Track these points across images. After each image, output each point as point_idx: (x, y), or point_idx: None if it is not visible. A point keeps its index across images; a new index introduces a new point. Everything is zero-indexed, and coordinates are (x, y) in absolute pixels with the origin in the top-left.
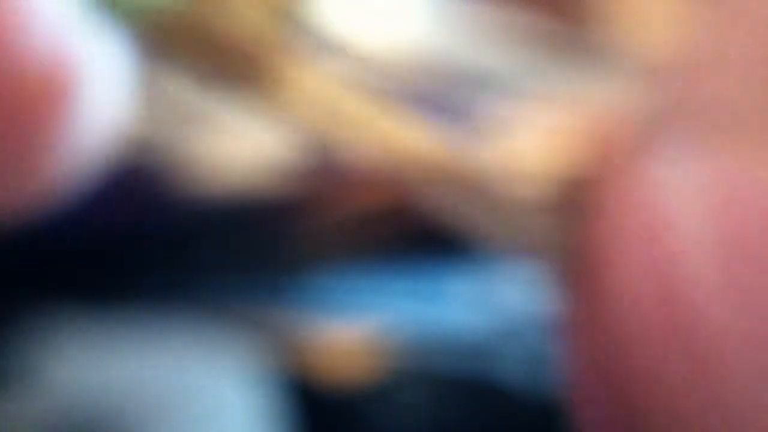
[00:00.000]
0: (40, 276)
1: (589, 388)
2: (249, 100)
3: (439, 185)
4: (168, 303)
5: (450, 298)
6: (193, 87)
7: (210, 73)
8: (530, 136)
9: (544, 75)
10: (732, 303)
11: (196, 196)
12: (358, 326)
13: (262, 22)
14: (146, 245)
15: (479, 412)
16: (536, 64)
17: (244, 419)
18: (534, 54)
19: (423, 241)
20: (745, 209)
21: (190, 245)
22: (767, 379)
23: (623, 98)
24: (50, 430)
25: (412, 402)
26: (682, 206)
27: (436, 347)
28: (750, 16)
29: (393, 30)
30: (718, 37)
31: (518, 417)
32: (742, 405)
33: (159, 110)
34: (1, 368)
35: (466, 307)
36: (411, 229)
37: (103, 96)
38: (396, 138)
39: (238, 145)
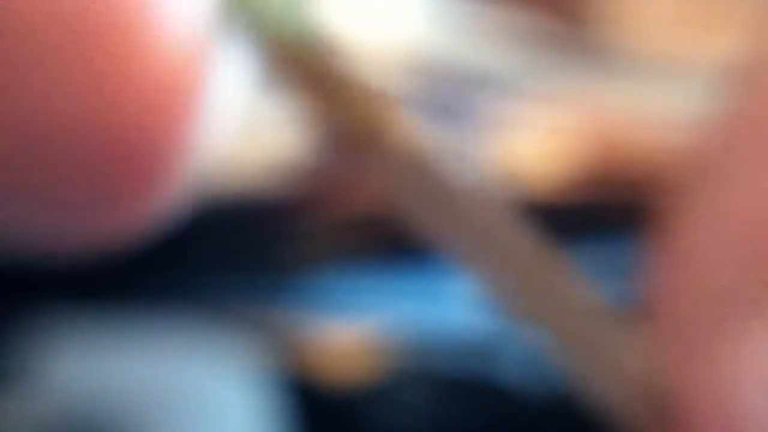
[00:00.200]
0: (40, 276)
1: None
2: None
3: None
4: (168, 303)
5: (450, 298)
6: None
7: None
8: (530, 136)
9: (544, 75)
10: None
11: (195, 196)
12: (358, 326)
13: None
14: (146, 245)
15: (479, 412)
16: (536, 64)
17: (244, 419)
18: (534, 54)
19: (423, 241)
20: None
21: (190, 245)
22: None
23: (623, 99)
24: (50, 430)
25: (412, 402)
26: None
27: (436, 347)
28: None
29: (393, 30)
30: None
31: (518, 417)
32: None
33: None
34: (1, 368)
35: (466, 307)
36: (411, 229)
37: (220, 104)
38: (396, 138)
39: (237, 145)
